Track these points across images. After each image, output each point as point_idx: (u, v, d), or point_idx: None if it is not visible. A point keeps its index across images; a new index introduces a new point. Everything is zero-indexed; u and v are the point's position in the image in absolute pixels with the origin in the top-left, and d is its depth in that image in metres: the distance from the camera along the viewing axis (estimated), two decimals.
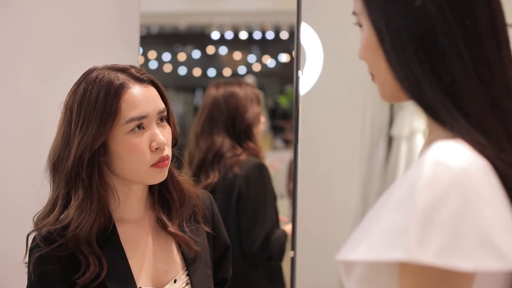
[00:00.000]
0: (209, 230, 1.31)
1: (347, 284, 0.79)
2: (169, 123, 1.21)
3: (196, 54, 3.22)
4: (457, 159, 0.68)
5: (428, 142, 0.81)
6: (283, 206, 2.28)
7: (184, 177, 1.30)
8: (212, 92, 2.10)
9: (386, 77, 0.80)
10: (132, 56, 2.04)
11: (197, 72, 3.22)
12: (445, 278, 0.66)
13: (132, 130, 1.14)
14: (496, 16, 0.77)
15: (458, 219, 0.65)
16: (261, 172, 2.02)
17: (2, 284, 2.01)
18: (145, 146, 1.14)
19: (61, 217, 1.14)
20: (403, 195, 0.69)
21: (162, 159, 1.16)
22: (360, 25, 0.84)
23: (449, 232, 0.65)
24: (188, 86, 3.30)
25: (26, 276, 1.17)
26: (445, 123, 0.74)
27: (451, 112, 0.73)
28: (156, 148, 1.15)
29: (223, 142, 2.04)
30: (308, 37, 2.51)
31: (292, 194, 2.20)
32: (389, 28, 0.77)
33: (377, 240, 0.69)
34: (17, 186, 2.03)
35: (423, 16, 0.75)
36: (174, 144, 1.25)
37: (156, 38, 3.11)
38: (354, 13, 0.85)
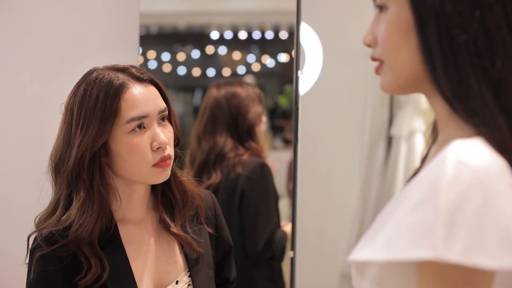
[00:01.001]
0: (212, 231, 1.30)
1: (361, 284, 0.79)
2: (171, 123, 1.21)
3: (196, 54, 3.22)
4: (477, 158, 0.68)
5: (442, 141, 0.80)
6: (283, 206, 2.28)
7: (187, 177, 1.30)
8: (214, 92, 2.10)
9: (409, 64, 0.77)
10: (131, 56, 2.04)
11: (196, 72, 3.22)
12: (466, 277, 0.67)
13: (133, 130, 1.13)
14: None
15: (480, 218, 0.65)
16: (264, 172, 2.02)
17: (3, 285, 2.01)
18: (146, 145, 1.13)
19: (62, 218, 1.14)
20: (424, 194, 0.68)
21: (164, 159, 1.15)
22: (380, 7, 0.80)
23: (473, 231, 0.65)
24: (187, 86, 3.30)
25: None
26: (475, 116, 0.72)
27: (490, 107, 0.72)
28: (158, 148, 1.14)
29: (226, 142, 2.04)
30: (308, 37, 2.51)
31: (292, 194, 2.20)
32: (438, 14, 0.73)
33: (399, 239, 0.68)
34: (17, 187, 2.03)
35: (482, 7, 0.72)
36: (177, 144, 1.25)
37: (155, 38, 3.10)
38: None
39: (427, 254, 0.65)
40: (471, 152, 0.68)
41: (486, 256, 0.64)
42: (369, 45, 0.83)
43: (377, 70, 0.83)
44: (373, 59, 0.83)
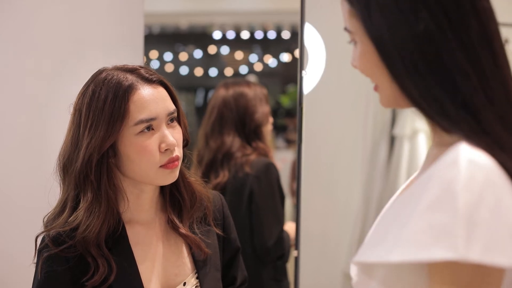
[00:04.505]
0: (220, 232, 1.30)
1: (369, 285, 0.79)
2: (179, 124, 1.20)
3: (198, 53, 3.22)
4: (486, 158, 0.70)
5: (439, 143, 0.81)
6: (286, 205, 2.28)
7: (195, 178, 1.30)
8: (222, 92, 2.11)
9: (390, 87, 0.80)
10: (135, 55, 2.04)
11: (198, 71, 3.22)
12: (479, 276, 0.68)
13: (141, 131, 1.12)
14: (487, 25, 0.76)
15: (494, 218, 0.67)
16: (272, 172, 2.03)
17: (9, 286, 2.01)
18: (155, 147, 1.13)
19: (70, 219, 1.13)
20: (439, 196, 0.69)
21: (172, 160, 1.14)
22: (355, 42, 0.84)
23: (489, 230, 0.66)
24: (189, 85, 3.30)
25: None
26: (470, 139, 0.73)
27: (475, 129, 0.74)
28: (166, 149, 1.14)
29: (233, 141, 2.04)
30: (311, 37, 2.52)
31: (296, 194, 2.20)
32: (398, 51, 0.76)
33: (416, 240, 0.69)
34: (21, 187, 2.03)
35: (428, 37, 0.74)
36: (185, 145, 1.24)
37: (157, 38, 3.10)
38: (346, 30, 0.85)
39: (448, 254, 0.66)
40: (480, 153, 0.70)
41: (502, 254, 0.66)
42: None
43: (375, 88, 0.86)
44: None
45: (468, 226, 0.66)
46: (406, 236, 0.70)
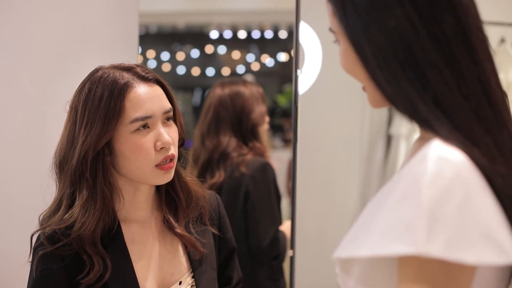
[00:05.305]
0: (216, 232, 1.30)
1: (347, 282, 0.79)
2: (176, 123, 1.20)
3: (195, 53, 3.22)
4: (458, 155, 0.70)
5: (421, 137, 0.82)
6: (283, 205, 2.28)
7: (191, 178, 1.30)
8: (218, 91, 2.10)
9: (370, 86, 0.81)
10: (131, 55, 2.04)
11: (195, 71, 3.22)
12: (447, 272, 0.67)
13: (137, 129, 1.12)
14: (465, 20, 0.76)
15: (461, 214, 0.66)
16: (267, 172, 2.03)
17: (6, 285, 2.01)
18: (150, 145, 1.13)
19: (65, 216, 1.13)
20: (406, 191, 0.70)
21: (167, 158, 1.15)
22: (339, 41, 0.84)
23: (454, 226, 0.66)
24: (186, 85, 3.31)
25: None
26: (441, 136, 0.74)
27: (446, 126, 0.74)
28: (161, 148, 1.14)
29: (230, 141, 2.04)
30: (307, 37, 2.52)
31: (291, 193, 2.21)
32: (372, 48, 0.77)
33: (382, 235, 0.70)
34: (18, 187, 2.03)
35: (400, 34, 0.75)
36: (181, 144, 1.24)
37: (154, 37, 3.11)
38: (330, 30, 0.85)
39: (408, 249, 0.66)
40: (452, 149, 0.70)
41: (467, 251, 0.65)
42: None
43: (363, 89, 0.86)
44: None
45: (430, 221, 0.66)
46: (373, 232, 0.71)
